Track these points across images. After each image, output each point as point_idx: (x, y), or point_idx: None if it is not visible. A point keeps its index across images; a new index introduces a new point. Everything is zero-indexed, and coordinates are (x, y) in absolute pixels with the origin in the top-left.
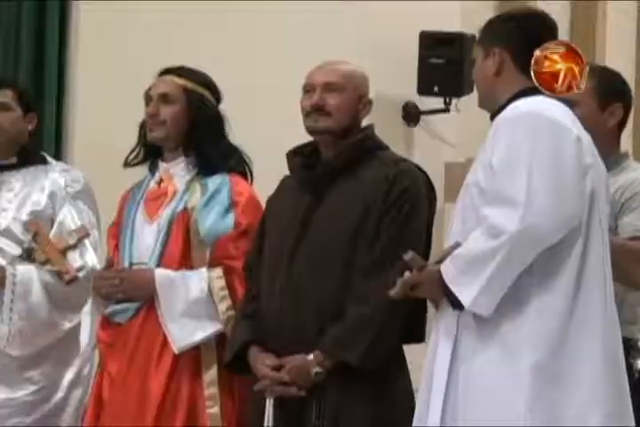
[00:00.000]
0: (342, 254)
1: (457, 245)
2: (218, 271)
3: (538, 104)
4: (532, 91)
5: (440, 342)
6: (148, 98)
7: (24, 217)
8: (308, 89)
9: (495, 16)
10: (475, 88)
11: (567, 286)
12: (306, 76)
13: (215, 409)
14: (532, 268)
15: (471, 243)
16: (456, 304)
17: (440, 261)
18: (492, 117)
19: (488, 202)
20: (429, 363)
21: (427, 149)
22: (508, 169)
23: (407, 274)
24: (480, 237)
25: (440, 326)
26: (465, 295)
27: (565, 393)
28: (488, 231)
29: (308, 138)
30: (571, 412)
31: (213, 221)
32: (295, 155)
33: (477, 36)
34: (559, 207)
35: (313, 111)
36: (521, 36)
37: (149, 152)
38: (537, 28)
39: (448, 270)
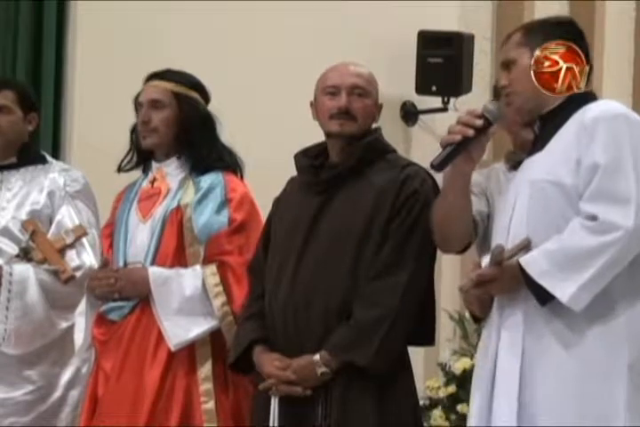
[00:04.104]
0: (350, 256)
1: (527, 241)
2: (212, 268)
3: (621, 106)
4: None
5: (503, 340)
6: (138, 105)
7: (23, 216)
8: (333, 91)
9: (545, 19)
10: (472, 88)
11: None
12: (324, 77)
13: (210, 405)
14: None
15: (570, 239)
16: (543, 299)
17: (511, 257)
18: (546, 115)
19: (592, 199)
20: (488, 361)
21: (425, 148)
22: (616, 169)
23: (482, 268)
24: (584, 232)
25: (503, 324)
26: (562, 290)
27: None
28: (598, 227)
29: (309, 137)
30: None
31: (208, 217)
32: (303, 156)
33: (521, 36)
34: None
35: (338, 114)
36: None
37: (142, 155)
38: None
39: (536, 265)
